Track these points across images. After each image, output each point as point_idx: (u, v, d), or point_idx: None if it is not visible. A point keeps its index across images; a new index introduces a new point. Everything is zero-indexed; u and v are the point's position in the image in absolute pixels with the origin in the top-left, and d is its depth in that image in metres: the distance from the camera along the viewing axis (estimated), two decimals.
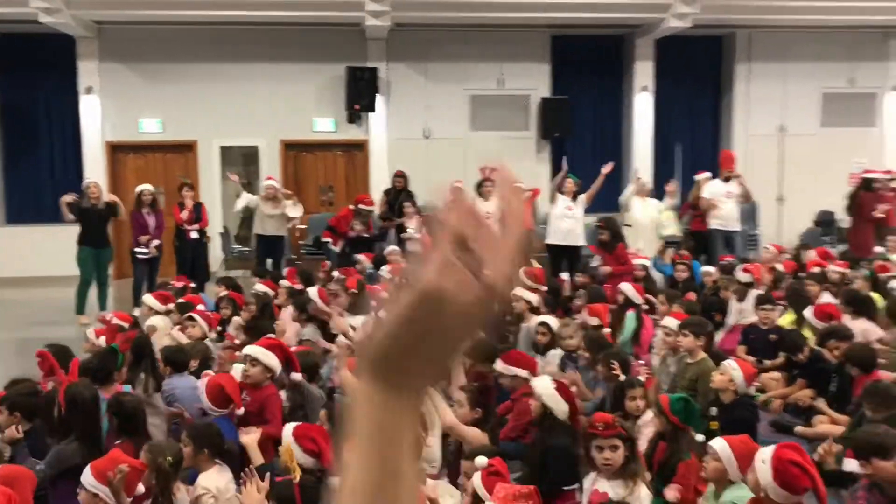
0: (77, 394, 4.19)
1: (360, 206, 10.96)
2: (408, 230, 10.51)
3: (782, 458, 3.11)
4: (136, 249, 10.03)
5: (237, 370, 4.76)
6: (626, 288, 6.97)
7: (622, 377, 4.79)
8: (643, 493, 3.41)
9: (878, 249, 9.75)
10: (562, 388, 4.25)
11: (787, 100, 13.58)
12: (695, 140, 13.99)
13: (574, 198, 10.00)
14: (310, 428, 3.88)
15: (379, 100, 12.77)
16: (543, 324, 6.15)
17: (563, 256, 10.02)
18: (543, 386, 4.25)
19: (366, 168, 13.28)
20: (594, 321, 6.14)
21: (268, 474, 3.43)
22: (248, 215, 13.14)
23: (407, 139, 13.09)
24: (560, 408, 4.21)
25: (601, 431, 3.45)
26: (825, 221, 13.09)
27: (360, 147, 13.30)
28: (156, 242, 10.09)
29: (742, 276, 7.61)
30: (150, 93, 12.63)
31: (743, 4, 12.18)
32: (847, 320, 6.47)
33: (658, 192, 11.49)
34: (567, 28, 13.01)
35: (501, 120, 13.35)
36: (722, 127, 14.02)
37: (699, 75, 13.88)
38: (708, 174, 10.91)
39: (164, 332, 7.03)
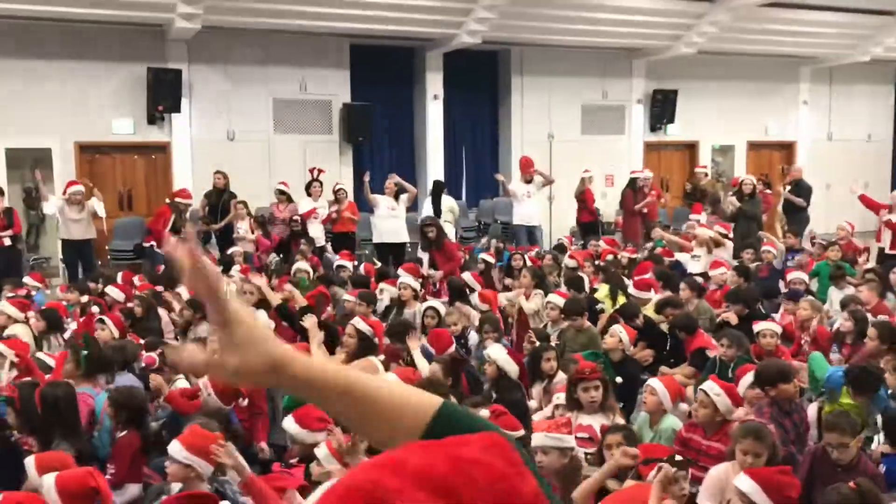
0: (50, 394, 4.27)
1: (178, 199, 10.90)
2: (239, 230, 10.68)
3: (729, 389, 4.21)
4: None
5: None
6: (466, 277, 7.96)
7: (538, 344, 5.69)
8: (620, 422, 4.33)
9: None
10: (511, 353, 5.06)
11: (553, 110, 15.39)
12: (477, 145, 15.41)
13: (396, 198, 10.79)
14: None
15: (182, 101, 12.67)
16: (432, 308, 6.90)
17: (389, 253, 10.79)
18: (498, 352, 5.04)
19: (168, 170, 13.07)
20: (484, 307, 7.02)
21: None
22: (38, 223, 12.48)
23: (210, 141, 13.10)
24: (512, 368, 5.03)
25: (588, 375, 4.31)
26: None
27: (161, 149, 13.07)
28: None
29: (569, 262, 8.88)
30: None
31: (517, 24, 13.65)
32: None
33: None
34: (364, 38, 13.73)
35: (304, 123, 13.80)
36: (501, 133, 15.53)
37: (481, 86, 15.30)
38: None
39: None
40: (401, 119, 14.73)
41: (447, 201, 11.52)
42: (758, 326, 6.15)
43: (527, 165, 12.06)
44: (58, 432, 4.28)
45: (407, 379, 4.46)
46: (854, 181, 11.44)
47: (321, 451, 3.76)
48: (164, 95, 12.36)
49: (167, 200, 11.05)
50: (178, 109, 12.56)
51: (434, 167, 14.39)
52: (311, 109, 13.85)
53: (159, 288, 8.09)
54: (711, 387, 4.23)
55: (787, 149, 17.79)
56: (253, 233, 10.76)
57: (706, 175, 14.98)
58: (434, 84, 14.39)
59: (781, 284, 8.86)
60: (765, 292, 8.47)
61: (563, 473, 3.53)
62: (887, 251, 10.57)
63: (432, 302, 7.02)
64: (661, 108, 15.96)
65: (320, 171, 11.81)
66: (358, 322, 5.52)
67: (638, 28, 14.31)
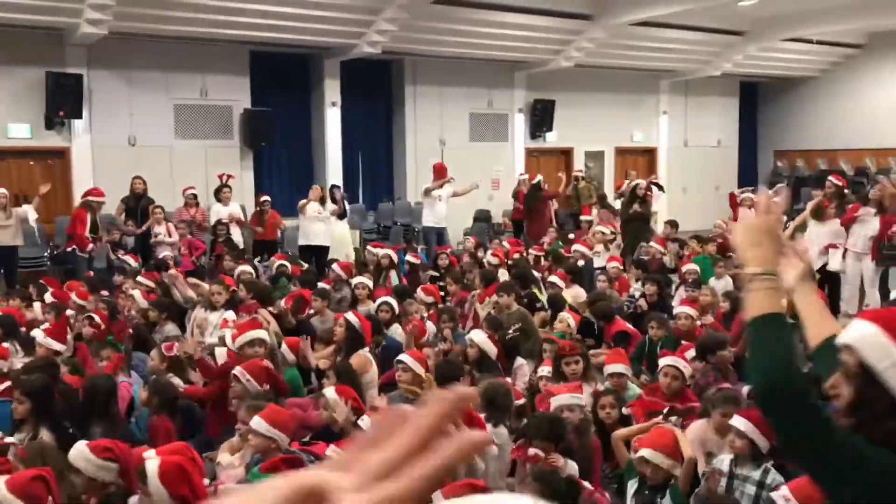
0: (93, 385, 4.62)
1: (90, 198, 10.87)
2: (158, 234, 10.80)
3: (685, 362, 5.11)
4: None
5: (221, 353, 5.42)
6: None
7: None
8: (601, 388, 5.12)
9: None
10: (491, 338, 5.78)
11: (444, 118, 16.20)
12: (373, 151, 16.00)
13: (323, 202, 11.25)
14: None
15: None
16: (386, 303, 7.48)
17: (312, 255, 11.22)
18: (479, 336, 5.74)
19: (67, 176, 12.88)
20: (430, 299, 7.69)
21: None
22: None
23: (111, 146, 13.02)
24: (492, 350, 5.74)
25: (568, 352, 5.08)
26: (483, 218, 15.95)
27: (59, 154, 12.86)
28: None
29: (492, 259, 9.69)
30: None
31: (414, 36, 14.36)
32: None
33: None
34: (263, 45, 14.00)
35: (205, 129, 13.93)
36: (395, 139, 16.18)
37: (376, 94, 15.90)
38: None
39: None
40: (300, 125, 15.09)
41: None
42: (677, 310, 7.16)
43: (441, 171, 12.75)
44: (94, 420, 4.59)
45: (419, 359, 5.09)
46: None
47: (365, 422, 4.32)
48: (65, 100, 12.20)
49: (80, 200, 11.00)
50: (79, 115, 12.43)
51: (333, 172, 14.85)
52: (211, 115, 14.00)
53: (105, 292, 8.22)
54: (678, 361, 5.11)
55: (650, 154, 19.45)
56: (171, 236, 10.89)
57: (583, 179, 16.21)
58: (332, 91, 14.86)
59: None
60: None
61: (579, 425, 4.29)
62: None
63: (385, 298, 7.59)
64: (541, 116, 17.11)
65: (230, 176, 12.04)
66: (350, 316, 6.07)
67: (523, 43, 15.34)
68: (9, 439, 4.06)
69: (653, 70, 18.14)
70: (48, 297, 8.20)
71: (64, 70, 12.35)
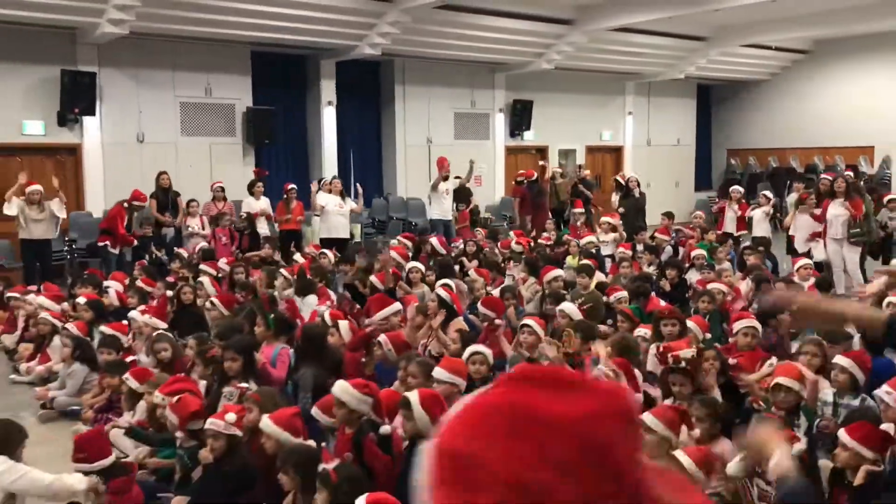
0: (309, 330, 5.32)
1: (135, 202, 11.25)
2: (190, 227, 11.21)
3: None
4: None
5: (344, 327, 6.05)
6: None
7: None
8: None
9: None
10: (580, 309, 6.55)
11: (430, 117, 16.89)
12: (364, 148, 16.57)
13: (343, 196, 11.80)
14: None
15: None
16: (447, 285, 8.15)
17: (333, 247, 11.75)
18: (571, 308, 6.50)
19: (78, 172, 13.11)
20: (480, 280, 8.41)
21: None
22: None
23: (121, 143, 13.31)
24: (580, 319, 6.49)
25: (667, 315, 5.88)
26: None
27: (70, 151, 13.07)
28: None
29: (516, 247, 10.46)
30: None
31: (412, 39, 14.96)
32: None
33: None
34: (265, 46, 14.44)
35: (210, 126, 14.31)
36: (385, 137, 16.78)
37: (366, 93, 16.48)
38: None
39: None
40: (297, 123, 15.57)
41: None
42: (711, 286, 8.04)
43: (441, 164, 13.42)
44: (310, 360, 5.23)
45: (541, 324, 5.82)
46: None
47: None
48: (79, 98, 12.46)
49: (125, 204, 11.35)
50: (93, 112, 12.70)
51: (329, 169, 15.36)
52: (215, 113, 14.38)
53: (171, 279, 8.68)
54: (754, 322, 5.96)
55: (617, 152, 20.54)
56: (204, 229, 11.31)
57: (561, 175, 17.09)
58: (328, 90, 15.39)
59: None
60: None
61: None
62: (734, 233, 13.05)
63: (445, 280, 8.26)
64: (520, 116, 17.97)
65: (264, 172, 12.47)
66: (440, 291, 6.76)
67: (509, 46, 16.14)
68: (242, 385, 4.63)
69: (622, 73, 19.19)
70: (113, 285, 8.63)
71: (76, 68, 12.59)
